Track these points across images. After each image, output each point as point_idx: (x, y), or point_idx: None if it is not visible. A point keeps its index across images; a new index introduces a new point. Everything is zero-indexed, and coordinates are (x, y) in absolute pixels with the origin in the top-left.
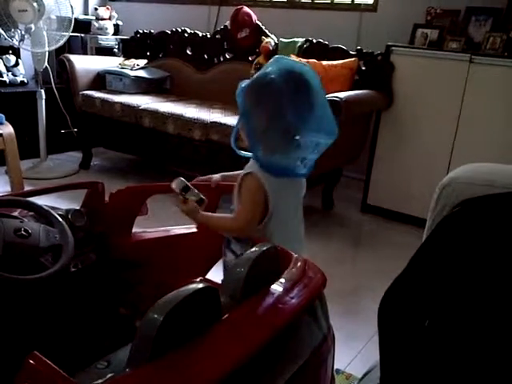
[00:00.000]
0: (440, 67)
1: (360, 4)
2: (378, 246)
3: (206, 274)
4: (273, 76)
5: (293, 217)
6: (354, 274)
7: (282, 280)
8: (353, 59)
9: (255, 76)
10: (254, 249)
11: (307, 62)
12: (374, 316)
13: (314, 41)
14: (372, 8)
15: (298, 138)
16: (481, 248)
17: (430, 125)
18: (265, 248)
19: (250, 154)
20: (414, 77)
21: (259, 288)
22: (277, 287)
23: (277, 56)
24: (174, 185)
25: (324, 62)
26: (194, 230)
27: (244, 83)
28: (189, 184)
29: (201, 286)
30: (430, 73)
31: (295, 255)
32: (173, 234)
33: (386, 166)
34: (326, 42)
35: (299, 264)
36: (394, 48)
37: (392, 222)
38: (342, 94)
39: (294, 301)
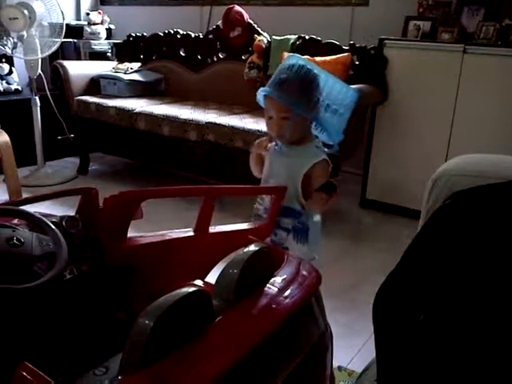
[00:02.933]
0: (434, 58)
1: None
2: (378, 240)
3: (205, 277)
4: (312, 70)
5: None
6: (355, 270)
7: (276, 280)
8: (346, 54)
9: (295, 76)
10: (246, 249)
11: None
12: None
13: (307, 37)
14: (364, 2)
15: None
16: (473, 239)
17: (426, 116)
18: (257, 248)
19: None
20: (408, 69)
21: (253, 289)
22: (270, 287)
23: (290, 54)
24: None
25: (317, 58)
26: (191, 233)
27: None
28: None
29: (192, 289)
30: (424, 64)
31: (288, 253)
32: (169, 237)
33: (383, 160)
34: (319, 38)
35: (293, 263)
36: (386, 41)
37: (392, 215)
38: None
39: (288, 300)
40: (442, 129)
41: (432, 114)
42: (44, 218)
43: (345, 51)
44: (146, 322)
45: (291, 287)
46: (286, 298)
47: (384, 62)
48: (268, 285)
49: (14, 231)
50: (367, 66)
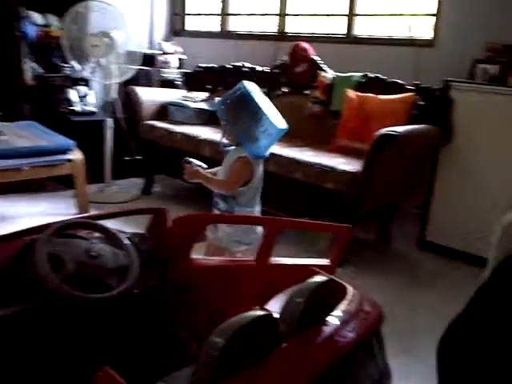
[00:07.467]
0: (502, 103)
1: (418, 39)
2: (436, 285)
3: (262, 306)
4: (243, 91)
5: (260, 185)
6: (411, 314)
7: (339, 312)
8: (410, 94)
9: (229, 94)
10: (311, 280)
11: (364, 96)
12: (429, 357)
13: (372, 75)
14: (430, 43)
15: (264, 128)
16: None
17: (493, 161)
18: (323, 280)
19: (232, 147)
20: (474, 112)
21: (316, 319)
22: (334, 319)
23: (243, 81)
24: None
25: (381, 96)
26: (253, 262)
27: (219, 100)
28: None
29: (262, 313)
30: (492, 108)
31: (351, 288)
32: (230, 263)
33: (445, 202)
34: (384, 77)
35: (355, 297)
36: (453, 83)
37: (451, 259)
38: (399, 128)
39: (350, 334)
40: (508, 173)
41: (498, 158)
42: (120, 235)
43: (409, 91)
44: (219, 340)
45: (353, 321)
46: (348, 331)
47: (449, 104)
48: (331, 317)
49: (91, 244)
50: (431, 107)
